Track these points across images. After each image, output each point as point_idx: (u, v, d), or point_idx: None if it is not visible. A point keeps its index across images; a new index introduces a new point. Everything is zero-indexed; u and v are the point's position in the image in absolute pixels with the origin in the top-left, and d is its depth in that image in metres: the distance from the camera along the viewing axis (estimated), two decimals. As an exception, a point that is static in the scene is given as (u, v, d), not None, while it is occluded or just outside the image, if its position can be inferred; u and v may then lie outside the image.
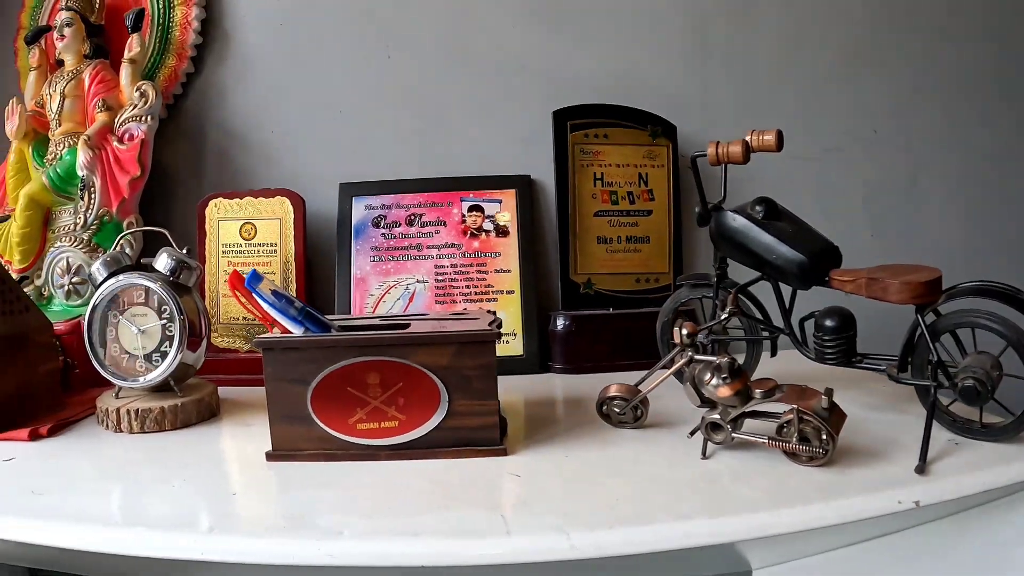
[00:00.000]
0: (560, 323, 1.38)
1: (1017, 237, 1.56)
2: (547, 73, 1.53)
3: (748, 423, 0.89)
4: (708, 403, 0.90)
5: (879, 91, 1.53)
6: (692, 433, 0.91)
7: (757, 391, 0.85)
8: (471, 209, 1.44)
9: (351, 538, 0.72)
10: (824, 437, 0.81)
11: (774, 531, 0.74)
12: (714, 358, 0.88)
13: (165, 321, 1.10)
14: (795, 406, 0.82)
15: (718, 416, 0.86)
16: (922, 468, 0.81)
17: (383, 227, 1.44)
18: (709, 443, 0.88)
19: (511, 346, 1.38)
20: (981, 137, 1.55)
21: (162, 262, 1.11)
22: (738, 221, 1.02)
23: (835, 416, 0.83)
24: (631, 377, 1.04)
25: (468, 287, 1.41)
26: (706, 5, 1.52)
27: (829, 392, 0.83)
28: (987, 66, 1.54)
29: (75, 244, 1.38)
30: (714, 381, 0.86)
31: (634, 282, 1.45)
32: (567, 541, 0.69)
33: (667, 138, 1.46)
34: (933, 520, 0.83)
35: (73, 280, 1.39)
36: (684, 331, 0.92)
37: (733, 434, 0.86)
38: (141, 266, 1.15)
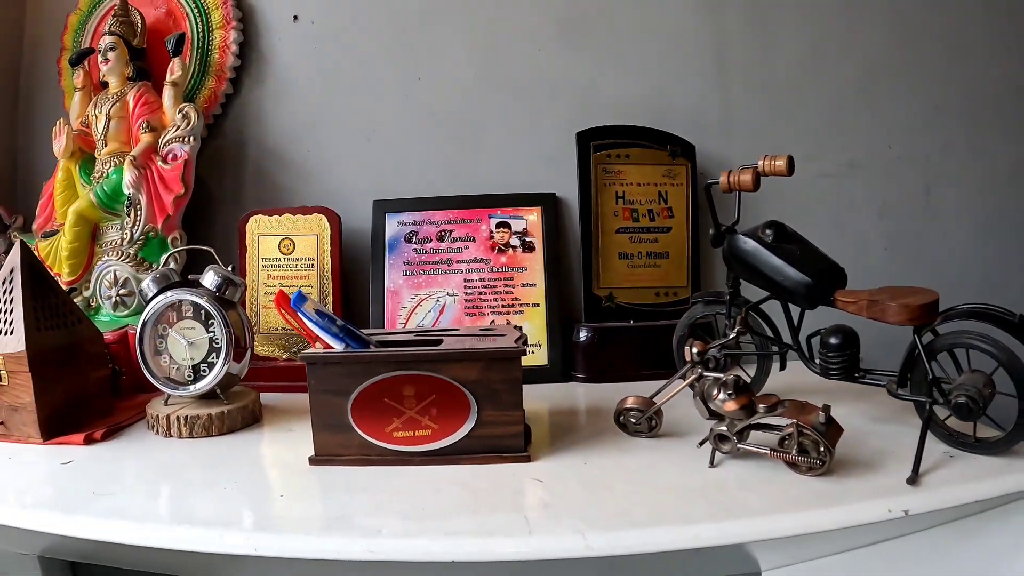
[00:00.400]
0: (583, 335, 1.46)
1: None
2: (572, 95, 1.60)
3: (754, 435, 0.96)
4: (716, 416, 0.98)
5: (897, 108, 1.59)
6: (701, 443, 0.99)
7: (761, 406, 0.93)
8: (499, 225, 1.52)
9: (389, 536, 0.81)
10: (822, 449, 0.89)
11: (774, 535, 0.82)
12: (721, 375, 0.96)
13: (212, 334, 1.20)
14: (795, 420, 0.90)
15: (725, 428, 0.95)
16: (914, 479, 0.88)
17: (415, 242, 1.52)
18: (717, 453, 0.96)
19: (536, 356, 1.46)
20: (1000, 152, 1.59)
21: (209, 279, 1.21)
22: (749, 244, 1.09)
23: (832, 430, 0.91)
24: (651, 387, 1.12)
25: (496, 300, 1.49)
26: (726, 27, 1.58)
27: (827, 408, 0.90)
28: (1007, 82, 1.58)
29: (122, 258, 1.48)
30: (721, 396, 0.95)
31: (654, 296, 1.52)
32: (583, 541, 0.78)
33: (686, 157, 1.53)
34: (936, 526, 0.89)
35: (120, 292, 1.48)
36: (694, 349, 1.01)
37: (739, 445, 0.94)
38: (188, 282, 1.24)
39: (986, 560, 0.91)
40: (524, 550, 0.78)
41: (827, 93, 1.59)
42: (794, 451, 0.91)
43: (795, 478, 0.91)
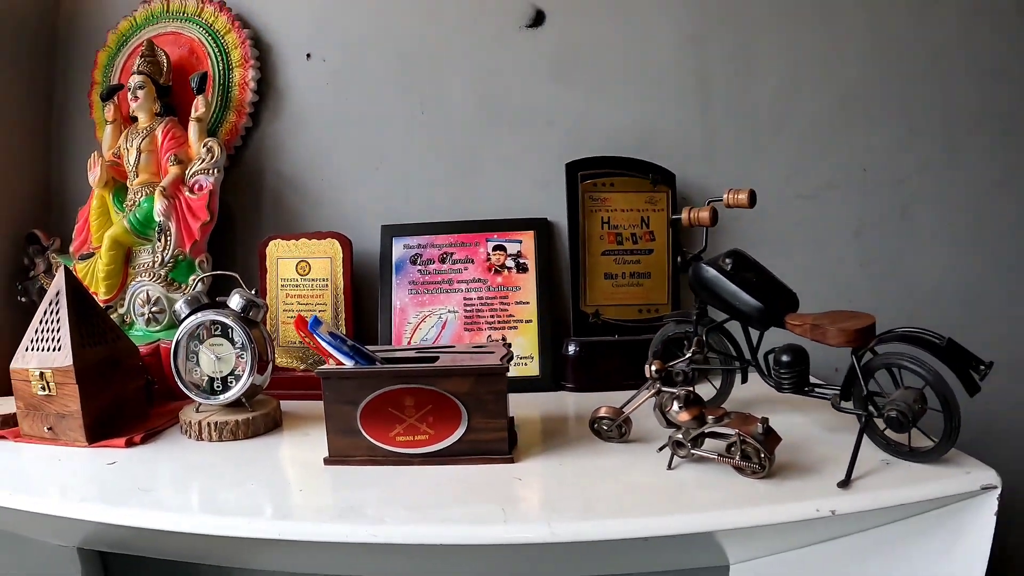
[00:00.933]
0: (572, 348, 1.58)
1: (1009, 264, 1.68)
2: (564, 126, 1.71)
3: (708, 442, 1.08)
4: (673, 425, 1.11)
5: (873, 131, 1.67)
6: (661, 449, 1.12)
7: (710, 417, 1.06)
8: (495, 248, 1.64)
9: (391, 524, 0.94)
10: (762, 456, 1.00)
11: (716, 527, 0.94)
12: (675, 390, 1.10)
13: (238, 350, 1.33)
14: (737, 431, 1.02)
15: (681, 436, 1.07)
16: (845, 483, 0.98)
17: (419, 264, 1.66)
18: (675, 457, 1.08)
19: (529, 368, 1.59)
20: (976, 172, 1.67)
21: (235, 301, 1.34)
22: (709, 272, 1.21)
23: (770, 439, 1.02)
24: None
25: (492, 316, 1.62)
26: (709, 60, 1.68)
27: (765, 420, 1.03)
28: (983, 104, 1.66)
29: (154, 279, 1.61)
30: (675, 408, 1.08)
31: (637, 312, 1.64)
32: (548, 529, 0.90)
33: (667, 185, 1.64)
34: (882, 525, 1.00)
35: (152, 309, 1.61)
36: (653, 367, 1.15)
37: (692, 451, 1.07)
38: (217, 304, 1.36)
39: (926, 558, 1.01)
40: (499, 535, 0.91)
41: (805, 120, 1.68)
42: (738, 457, 1.02)
43: (743, 480, 1.02)
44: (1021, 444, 1.68)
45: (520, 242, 1.66)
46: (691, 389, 1.11)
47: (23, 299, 1.74)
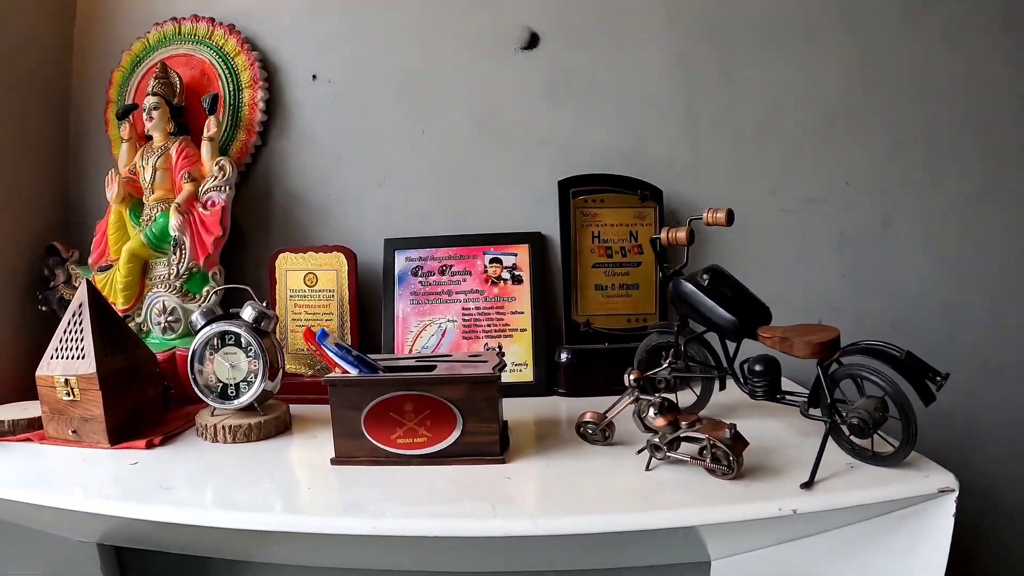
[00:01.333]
0: (564, 355, 1.66)
1: (990, 274, 1.74)
2: (557, 145, 1.79)
3: (683, 446, 1.15)
4: (650, 430, 1.21)
5: (855, 146, 1.74)
6: (639, 451, 1.21)
7: (683, 422, 1.14)
8: (492, 261, 1.73)
9: (391, 518, 1.02)
10: (731, 459, 1.08)
11: (687, 524, 1.01)
12: (652, 397, 1.20)
13: (251, 358, 1.41)
14: (708, 435, 1.11)
15: (658, 440, 1.16)
16: (809, 484, 1.04)
17: (420, 276, 1.74)
18: (652, 459, 1.17)
19: (523, 374, 1.68)
20: (957, 184, 1.73)
21: (247, 313, 1.43)
22: (688, 287, 1.29)
23: (738, 444, 1.09)
24: (622, 401, 1.31)
25: (489, 325, 1.71)
26: (696, 80, 1.76)
27: (732, 426, 1.11)
28: (965, 116, 1.72)
29: (169, 290, 1.71)
30: (651, 414, 1.17)
31: (626, 321, 1.73)
32: (532, 523, 0.99)
33: (654, 200, 1.73)
34: (852, 524, 1.06)
35: (168, 319, 1.70)
36: (631, 376, 1.25)
37: (668, 453, 1.15)
38: (230, 315, 1.45)
39: (891, 556, 1.08)
40: (488, 529, 0.99)
41: (788, 135, 1.75)
42: (709, 459, 1.10)
43: (714, 480, 1.09)
44: (1005, 444, 1.76)
45: (515, 255, 1.74)
46: (667, 396, 1.21)
47: (43, 308, 1.82)
